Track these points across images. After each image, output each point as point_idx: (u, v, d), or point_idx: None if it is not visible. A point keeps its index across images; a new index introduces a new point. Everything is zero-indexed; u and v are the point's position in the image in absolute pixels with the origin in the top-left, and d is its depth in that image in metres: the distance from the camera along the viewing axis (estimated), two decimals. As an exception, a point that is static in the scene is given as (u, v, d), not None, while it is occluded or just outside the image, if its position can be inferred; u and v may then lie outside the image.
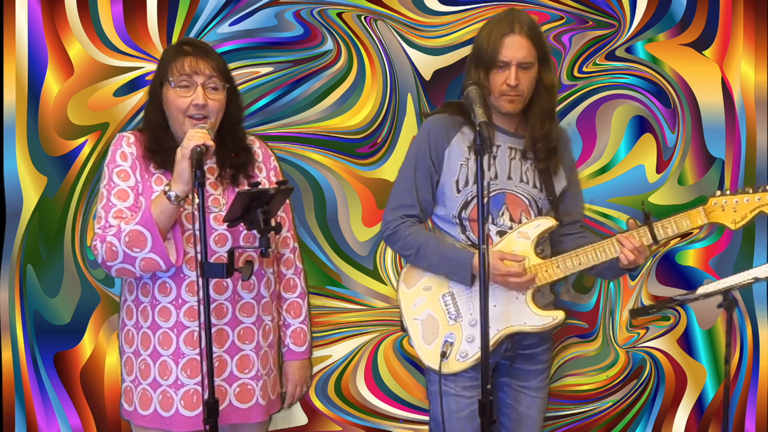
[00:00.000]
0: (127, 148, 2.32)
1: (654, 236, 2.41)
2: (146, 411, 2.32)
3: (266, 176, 2.49)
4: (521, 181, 2.51)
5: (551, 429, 3.13)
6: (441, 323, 2.50)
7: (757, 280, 2.39)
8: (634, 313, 3.07)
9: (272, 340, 2.49)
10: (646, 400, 3.14)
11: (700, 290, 2.43)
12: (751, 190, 2.40)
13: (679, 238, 3.07)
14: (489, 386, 2.10)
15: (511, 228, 2.49)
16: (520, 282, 2.42)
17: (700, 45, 3.04)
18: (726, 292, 2.37)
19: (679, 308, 3.10)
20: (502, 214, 2.50)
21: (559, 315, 2.47)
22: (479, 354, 2.42)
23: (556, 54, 3.04)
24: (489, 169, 2.48)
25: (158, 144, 2.31)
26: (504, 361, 2.54)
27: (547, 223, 2.49)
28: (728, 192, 2.41)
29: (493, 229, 2.49)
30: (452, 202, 2.51)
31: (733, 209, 2.40)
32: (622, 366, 3.12)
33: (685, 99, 3.05)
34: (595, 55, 3.05)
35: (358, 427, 3.11)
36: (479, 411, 2.11)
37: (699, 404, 3.13)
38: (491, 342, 2.44)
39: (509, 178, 2.50)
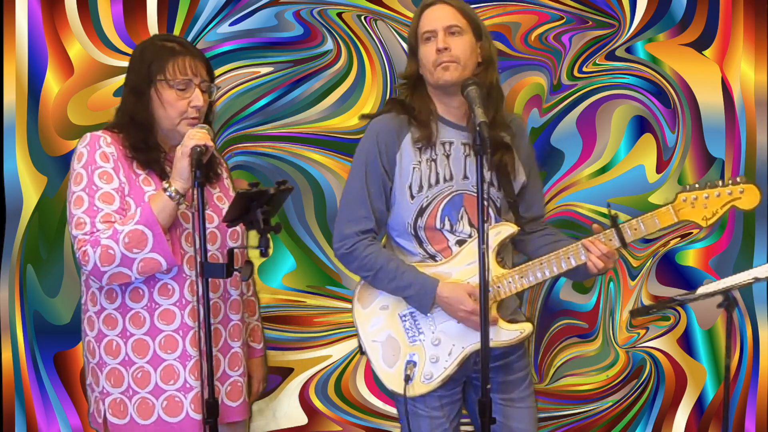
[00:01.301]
0: (106, 148, 2.22)
1: (622, 239, 2.29)
2: (148, 420, 2.24)
3: (225, 177, 2.47)
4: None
5: (551, 429, 3.13)
6: (402, 344, 2.36)
7: (757, 280, 2.37)
8: (634, 313, 3.06)
9: (245, 338, 2.48)
10: (646, 400, 3.14)
11: (700, 290, 2.41)
12: (720, 183, 2.27)
13: (679, 238, 3.07)
14: (489, 386, 2.09)
15: (470, 236, 2.36)
16: (477, 320, 2.24)
17: (700, 45, 3.04)
18: (726, 292, 2.35)
19: (679, 308, 3.10)
20: (461, 218, 2.36)
21: (526, 328, 2.35)
22: (445, 374, 2.33)
23: (556, 54, 3.04)
24: (443, 170, 2.36)
25: (144, 143, 2.25)
26: (474, 375, 2.41)
27: (508, 230, 2.36)
28: (697, 186, 2.28)
29: (451, 239, 2.36)
30: (405, 211, 2.36)
31: (704, 205, 2.26)
32: (622, 366, 3.12)
33: (685, 99, 3.05)
34: (595, 55, 3.05)
35: (358, 427, 3.11)
36: (479, 411, 2.10)
37: (699, 404, 3.13)
38: (456, 361, 2.33)
39: (465, 177, 2.37)
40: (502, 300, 2.37)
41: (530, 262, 2.35)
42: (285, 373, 3.09)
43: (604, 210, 3.07)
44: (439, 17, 2.32)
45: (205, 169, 2.29)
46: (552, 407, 3.12)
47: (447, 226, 2.37)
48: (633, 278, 3.10)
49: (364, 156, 2.38)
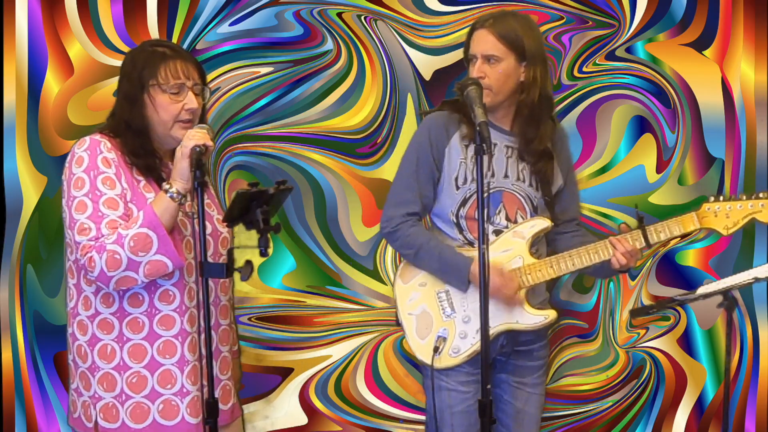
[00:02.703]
0: (107, 153, 2.20)
1: (647, 240, 2.44)
2: (141, 424, 2.23)
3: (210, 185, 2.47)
4: (518, 179, 2.52)
5: (551, 429, 3.13)
6: (435, 319, 2.52)
7: (757, 280, 2.39)
8: (634, 313, 3.07)
9: (232, 341, 2.48)
10: (646, 400, 3.14)
11: (700, 290, 2.43)
12: (744, 197, 2.42)
13: (679, 238, 3.07)
14: (489, 386, 2.11)
15: (507, 227, 2.51)
16: (508, 295, 2.44)
17: (700, 45, 3.04)
18: (726, 292, 2.37)
19: (679, 308, 3.10)
20: (499, 212, 2.52)
21: (551, 314, 2.50)
22: (471, 350, 2.48)
23: (556, 54, 3.04)
24: (487, 168, 2.49)
25: (142, 148, 2.24)
26: (500, 357, 2.56)
27: (543, 223, 2.51)
28: (722, 198, 2.43)
29: (489, 228, 2.51)
30: (451, 200, 2.52)
31: (726, 215, 2.42)
32: (622, 366, 3.12)
33: (685, 99, 3.05)
34: (595, 55, 3.05)
35: (358, 427, 3.11)
36: (479, 411, 2.11)
37: (699, 404, 3.13)
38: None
39: (506, 176, 2.51)
40: (533, 288, 2.51)
41: (560, 254, 2.49)
42: (285, 373, 3.09)
43: (605, 210, 3.08)
44: (479, 44, 2.45)
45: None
46: (552, 407, 3.12)
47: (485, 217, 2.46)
48: (633, 278, 3.11)
49: (416, 146, 2.56)
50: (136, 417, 2.23)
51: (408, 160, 2.56)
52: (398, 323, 2.59)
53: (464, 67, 2.55)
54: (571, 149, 2.70)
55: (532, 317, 2.48)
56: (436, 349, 2.48)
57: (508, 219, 2.52)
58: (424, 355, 2.51)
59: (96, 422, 2.25)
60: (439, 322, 2.52)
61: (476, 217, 2.46)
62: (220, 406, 2.33)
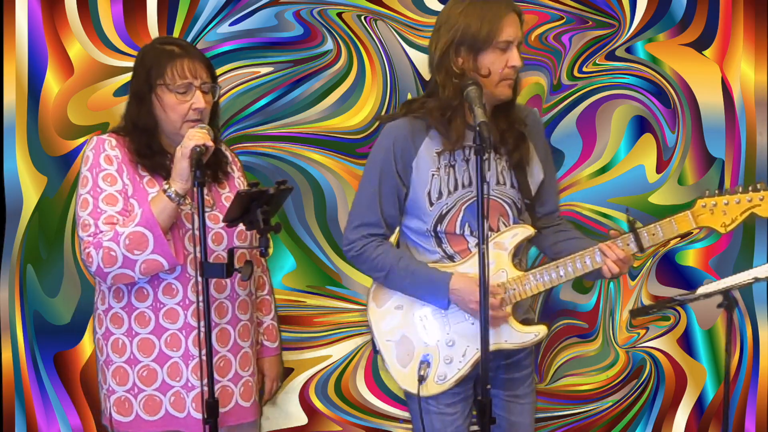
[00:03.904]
0: (110, 151, 2.25)
1: (640, 245, 2.26)
2: (154, 416, 2.27)
3: (238, 177, 2.48)
4: (498, 183, 2.35)
5: (551, 429, 3.13)
6: (416, 344, 2.35)
7: (757, 280, 2.37)
8: (634, 313, 3.06)
9: (255, 337, 2.49)
10: (646, 400, 3.14)
11: (700, 290, 2.41)
12: (741, 189, 2.25)
13: (679, 238, 3.07)
14: (489, 386, 2.10)
15: (488, 237, 2.31)
16: (493, 315, 2.26)
17: (700, 45, 3.04)
18: (726, 292, 2.35)
19: (679, 308, 3.10)
20: None
21: (540, 331, 2.32)
22: (458, 375, 2.33)
23: (556, 54, 3.04)
24: (462, 176, 2.33)
25: (148, 147, 2.27)
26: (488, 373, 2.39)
27: (525, 232, 2.33)
28: (717, 193, 2.25)
29: (471, 241, 2.33)
30: (426, 216, 2.34)
31: (723, 212, 2.24)
32: (622, 366, 3.12)
33: (685, 99, 3.05)
34: (595, 55, 3.05)
35: (358, 427, 3.11)
36: (479, 411, 2.11)
37: (699, 404, 3.13)
38: (470, 363, 2.32)
39: (485, 182, 2.32)
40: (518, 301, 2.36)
41: (546, 265, 2.33)
42: (285, 373, 3.09)
43: (605, 210, 3.07)
44: (515, 29, 2.26)
45: (210, 169, 2.31)
46: (552, 407, 3.12)
47: (467, 231, 2.35)
48: (633, 278, 3.10)
49: (379, 162, 2.35)
50: (149, 409, 2.28)
51: (369, 176, 2.36)
52: (376, 350, 2.40)
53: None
54: (545, 134, 2.55)
55: (522, 335, 2.32)
56: (421, 378, 2.31)
57: (490, 229, 2.32)
58: (408, 384, 2.34)
59: (110, 415, 2.29)
60: (420, 348, 2.34)
61: (456, 231, 2.34)
62: (243, 403, 2.36)
